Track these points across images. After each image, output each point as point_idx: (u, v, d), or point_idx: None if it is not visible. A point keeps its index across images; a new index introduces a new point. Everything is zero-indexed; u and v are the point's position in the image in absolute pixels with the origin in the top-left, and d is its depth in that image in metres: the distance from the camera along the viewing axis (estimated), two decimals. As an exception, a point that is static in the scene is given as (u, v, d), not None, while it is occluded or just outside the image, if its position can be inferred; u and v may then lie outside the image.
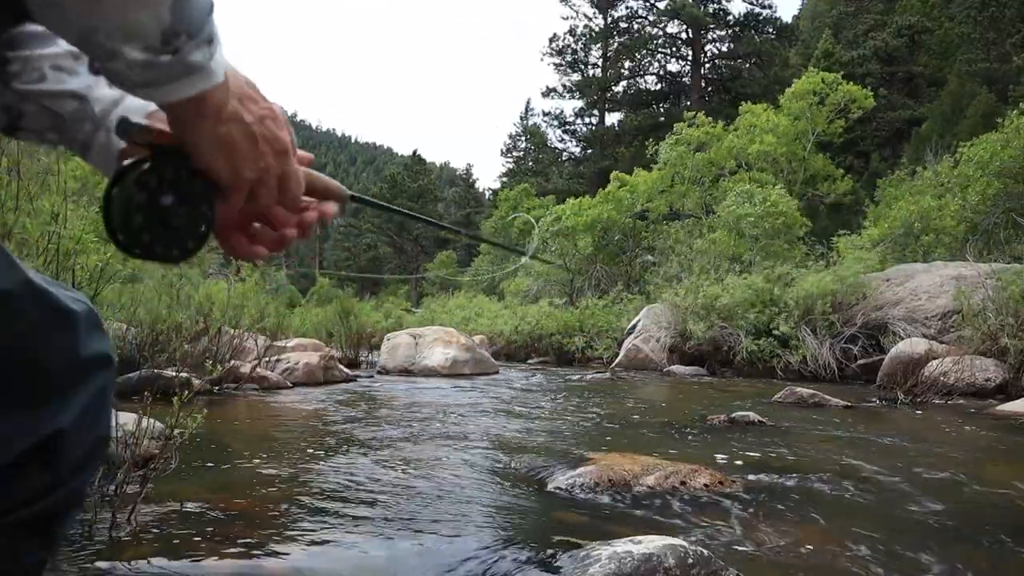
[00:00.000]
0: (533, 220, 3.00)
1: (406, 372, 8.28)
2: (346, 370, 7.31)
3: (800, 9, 47.19)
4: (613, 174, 19.10)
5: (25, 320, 0.62)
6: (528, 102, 74.04)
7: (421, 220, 1.09)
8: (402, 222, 44.07)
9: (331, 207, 0.77)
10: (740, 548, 1.71)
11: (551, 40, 38.27)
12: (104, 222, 0.60)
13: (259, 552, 1.58)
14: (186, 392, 1.81)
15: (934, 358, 6.09)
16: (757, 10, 34.14)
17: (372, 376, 7.95)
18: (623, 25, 37.11)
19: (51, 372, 0.65)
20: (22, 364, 0.62)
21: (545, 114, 41.43)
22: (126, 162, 0.62)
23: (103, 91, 0.74)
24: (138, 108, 0.71)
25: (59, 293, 0.67)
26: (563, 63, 38.41)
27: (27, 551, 0.68)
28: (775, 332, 8.13)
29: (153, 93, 0.56)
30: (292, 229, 0.71)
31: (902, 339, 7.08)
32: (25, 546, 0.68)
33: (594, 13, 37.44)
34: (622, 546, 1.45)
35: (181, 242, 0.62)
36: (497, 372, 8.76)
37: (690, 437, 3.53)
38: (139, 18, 0.50)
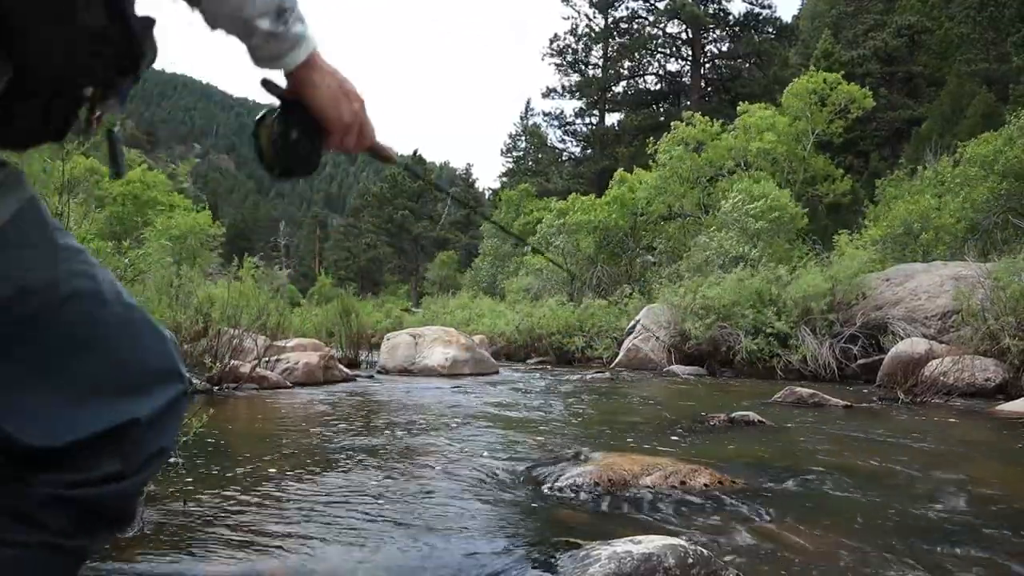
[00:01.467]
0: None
1: (406, 372, 8.28)
2: (346, 370, 7.31)
3: (800, 9, 47.18)
4: (617, 173, 19.09)
5: (120, 320, 0.78)
6: (528, 102, 74.00)
7: (453, 198, 1.27)
8: (402, 222, 44.08)
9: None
10: (740, 548, 1.71)
11: (552, 40, 38.27)
12: (255, 151, 0.86)
13: (260, 552, 1.58)
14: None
15: (934, 358, 6.09)
16: (757, 10, 34.12)
17: (372, 376, 7.95)
18: (623, 25, 37.09)
19: (137, 372, 0.79)
20: (118, 359, 0.77)
21: (545, 114, 41.43)
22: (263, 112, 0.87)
23: None
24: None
25: (150, 316, 0.84)
26: (563, 63, 38.40)
27: (81, 531, 0.76)
28: (773, 331, 8.13)
29: (279, 63, 0.80)
30: (351, 144, 0.92)
31: (902, 339, 7.08)
32: (80, 527, 0.75)
33: (594, 13, 37.43)
34: (622, 546, 1.45)
35: (305, 164, 0.88)
36: (497, 372, 8.76)
37: (690, 437, 3.53)
38: None
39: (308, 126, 0.86)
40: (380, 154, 1.03)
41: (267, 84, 0.85)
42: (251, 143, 0.87)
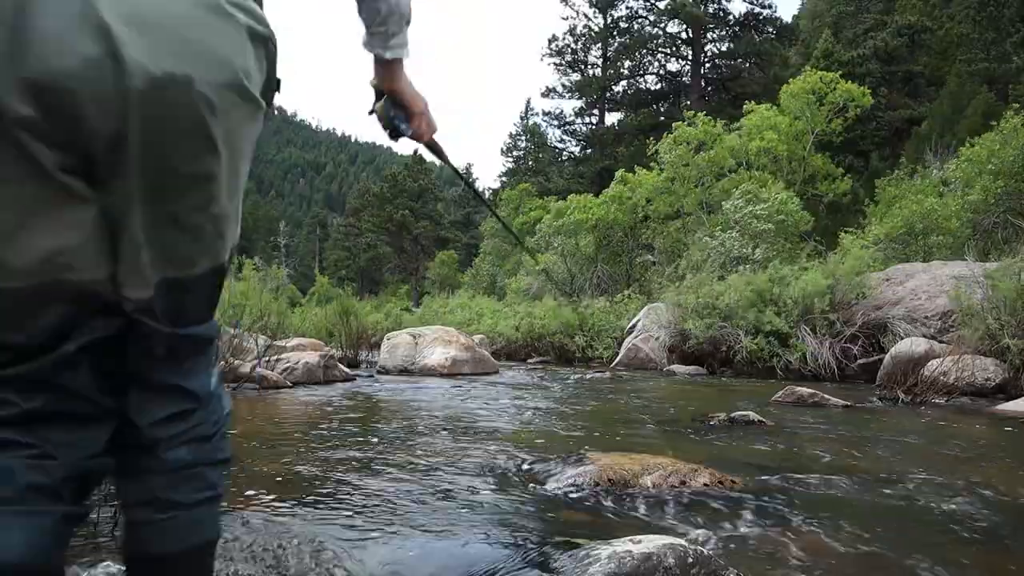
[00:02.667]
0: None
1: (406, 372, 8.28)
2: (346, 370, 7.31)
3: (800, 9, 47.15)
4: (618, 173, 19.09)
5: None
6: (528, 101, 74.05)
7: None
8: (402, 221, 44.05)
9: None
10: (740, 548, 1.72)
11: (551, 40, 38.25)
12: (381, 118, 1.27)
13: (258, 550, 1.58)
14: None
15: (934, 358, 6.09)
16: (757, 10, 34.11)
17: (372, 376, 7.96)
18: (623, 25, 37.07)
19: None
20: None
21: (545, 114, 41.42)
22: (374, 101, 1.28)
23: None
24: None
25: None
26: (563, 63, 38.39)
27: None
28: (774, 330, 8.13)
29: (399, 50, 1.13)
30: (424, 131, 1.31)
31: (902, 339, 7.08)
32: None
33: (594, 13, 37.44)
34: (622, 545, 1.45)
35: (406, 132, 1.28)
36: (497, 372, 8.76)
37: (690, 437, 3.53)
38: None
39: (401, 110, 1.26)
40: (437, 149, 1.41)
41: (374, 85, 1.25)
42: (377, 113, 1.29)
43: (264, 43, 0.87)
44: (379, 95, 1.26)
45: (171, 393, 0.96)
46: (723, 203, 13.49)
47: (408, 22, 1.12)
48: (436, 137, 1.36)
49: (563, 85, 38.71)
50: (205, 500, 0.98)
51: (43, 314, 0.81)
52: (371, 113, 1.29)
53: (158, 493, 0.94)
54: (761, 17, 34.22)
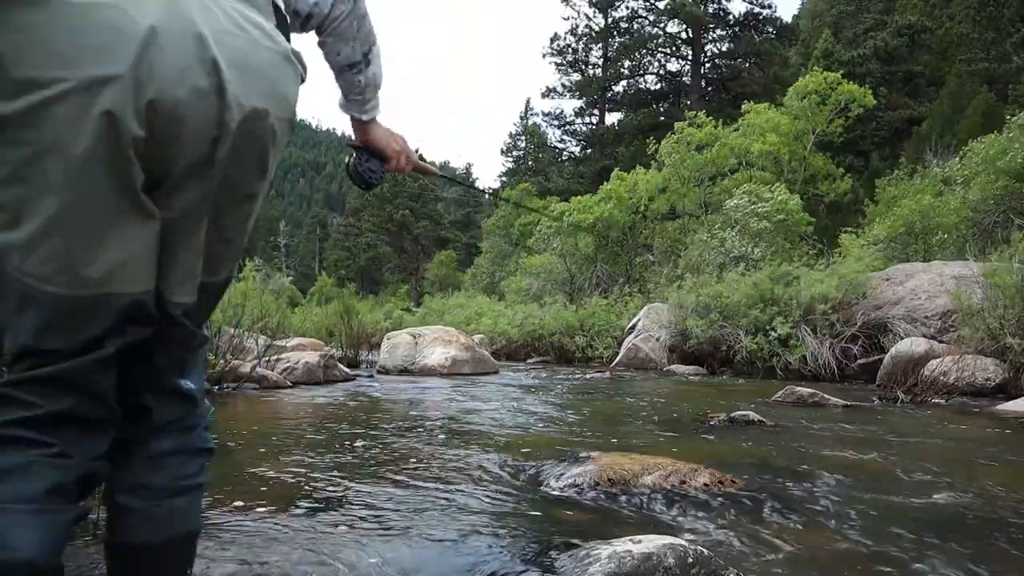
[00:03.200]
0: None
1: (406, 372, 8.28)
2: (346, 370, 7.31)
3: (800, 9, 47.13)
4: (615, 172, 19.09)
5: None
6: (528, 101, 73.91)
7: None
8: (403, 221, 44.05)
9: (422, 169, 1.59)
10: (740, 548, 1.72)
11: (552, 40, 38.26)
12: (349, 177, 1.43)
13: (259, 551, 1.58)
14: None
15: (934, 357, 6.09)
16: (757, 10, 34.10)
17: (372, 376, 7.96)
18: (623, 25, 37.07)
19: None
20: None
21: (545, 114, 41.42)
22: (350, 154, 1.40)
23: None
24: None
25: None
26: (564, 63, 38.39)
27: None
28: (774, 331, 8.13)
29: (373, 111, 1.31)
30: (403, 165, 1.44)
31: (902, 339, 7.08)
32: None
33: (594, 13, 37.43)
34: (622, 545, 1.45)
35: (377, 180, 1.42)
36: (497, 372, 8.76)
37: (690, 437, 3.53)
38: (381, 68, 1.27)
39: (373, 160, 1.41)
40: (422, 169, 1.59)
41: (350, 142, 1.41)
42: (345, 172, 1.47)
43: (300, 84, 1.03)
44: (355, 148, 1.41)
45: (179, 396, 1.04)
46: (724, 202, 13.49)
47: (380, 86, 1.30)
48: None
49: (563, 85, 38.73)
50: (186, 488, 1.03)
51: (93, 322, 0.87)
52: (345, 168, 1.44)
53: (141, 479, 0.99)
54: (761, 17, 34.21)
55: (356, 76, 1.23)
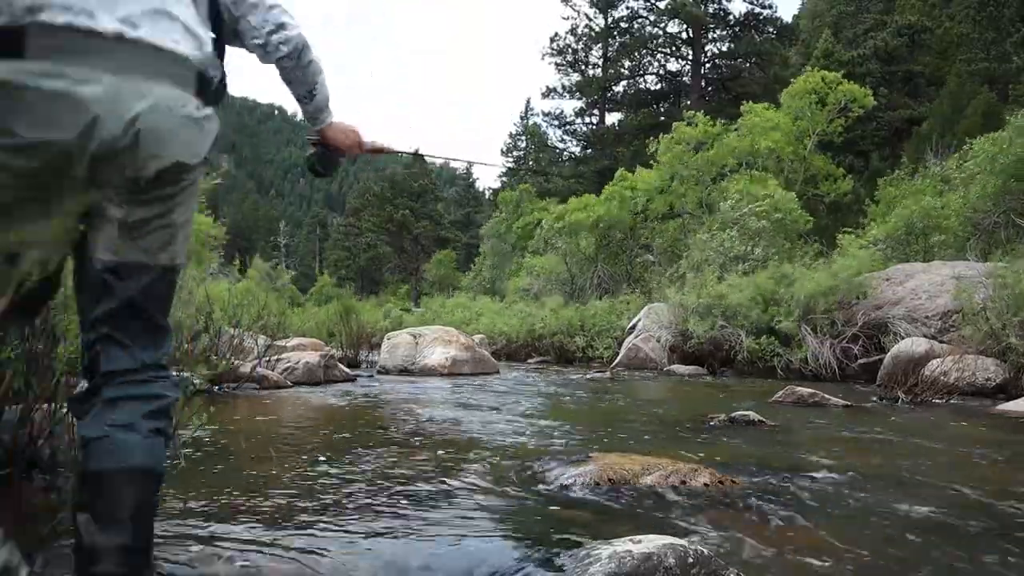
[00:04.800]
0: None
1: (406, 372, 8.28)
2: (346, 370, 7.30)
3: (800, 9, 47.11)
4: (619, 172, 19.07)
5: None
6: (528, 102, 73.91)
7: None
8: (403, 221, 44.03)
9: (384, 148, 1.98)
10: (740, 548, 1.72)
11: (552, 40, 38.25)
12: (309, 169, 1.80)
13: (259, 551, 1.58)
14: (190, 388, 1.81)
15: (934, 357, 6.09)
16: (757, 10, 34.07)
17: (372, 376, 7.95)
18: (623, 25, 37.04)
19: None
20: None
21: (545, 114, 41.33)
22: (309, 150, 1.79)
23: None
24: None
25: None
26: (564, 63, 38.36)
27: None
28: (776, 330, 8.13)
29: (321, 122, 1.71)
30: (357, 152, 1.82)
31: (902, 338, 7.08)
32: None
33: (594, 13, 37.41)
34: (622, 545, 1.45)
35: (329, 170, 1.79)
36: (497, 372, 8.76)
37: (690, 437, 3.53)
38: (327, 94, 1.67)
39: (332, 152, 1.78)
40: (376, 149, 1.90)
41: (311, 139, 1.77)
42: (303, 164, 1.86)
43: (215, 128, 1.37)
44: (315, 143, 1.76)
45: (131, 356, 1.36)
46: (721, 203, 13.49)
47: (325, 107, 1.68)
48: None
49: (563, 85, 38.69)
50: (137, 428, 1.24)
51: None
52: (306, 160, 1.80)
53: (100, 418, 1.24)
54: (761, 17, 34.18)
55: (304, 106, 1.65)
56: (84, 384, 1.29)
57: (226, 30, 1.47)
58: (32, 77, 1.09)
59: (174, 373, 1.42)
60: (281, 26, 1.50)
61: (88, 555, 1.18)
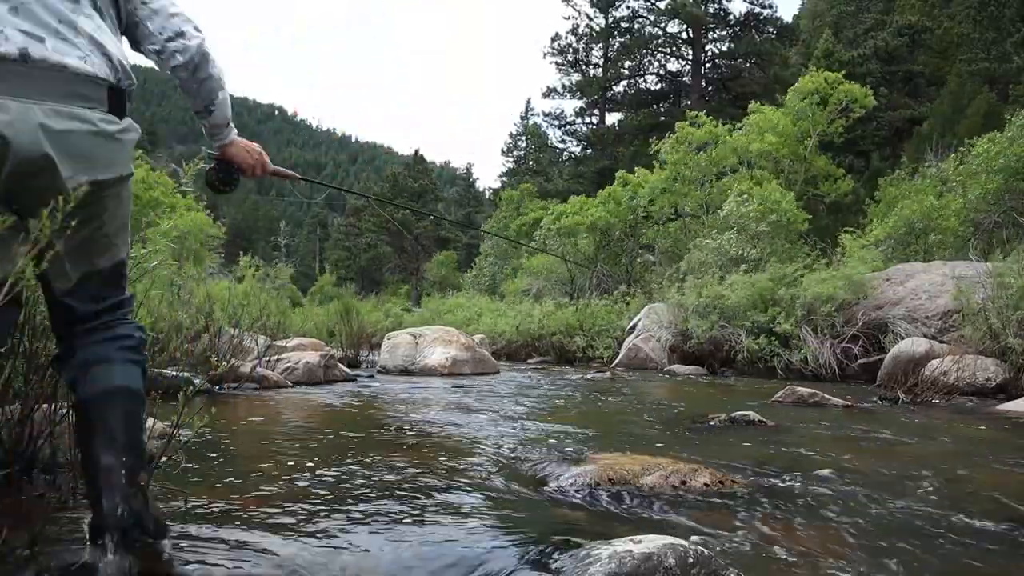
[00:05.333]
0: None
1: (406, 372, 8.28)
2: (346, 370, 7.30)
3: (800, 9, 47.11)
4: (619, 173, 19.05)
5: None
6: (528, 101, 73.87)
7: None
8: (403, 221, 44.02)
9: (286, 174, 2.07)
10: (740, 548, 1.72)
11: (553, 39, 38.24)
12: (207, 184, 1.80)
13: (260, 551, 1.58)
14: (190, 388, 1.81)
15: (934, 358, 6.09)
16: (757, 10, 34.05)
17: (372, 375, 7.95)
18: (624, 25, 37.03)
19: None
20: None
21: (545, 114, 41.30)
22: (209, 164, 1.78)
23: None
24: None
25: None
26: (564, 62, 38.36)
27: None
28: (776, 331, 8.12)
29: (222, 139, 1.70)
30: (259, 173, 1.82)
31: (902, 339, 7.08)
32: None
33: (595, 13, 37.40)
34: (622, 545, 1.45)
35: (233, 184, 1.79)
36: (498, 372, 8.76)
37: (690, 437, 3.53)
38: (227, 112, 1.65)
39: (231, 168, 1.78)
40: (281, 175, 1.98)
41: (210, 155, 1.76)
42: (203, 179, 1.83)
43: (135, 136, 1.42)
44: (215, 159, 1.76)
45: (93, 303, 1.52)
46: (721, 206, 13.47)
47: (225, 124, 1.67)
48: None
49: (564, 85, 38.68)
50: (106, 359, 1.40)
51: None
52: (206, 178, 1.80)
53: (77, 357, 1.41)
54: (761, 17, 34.17)
55: (202, 120, 1.62)
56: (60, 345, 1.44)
57: (127, 35, 1.49)
58: None
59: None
60: (180, 34, 1.48)
61: (92, 480, 1.34)
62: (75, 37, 1.28)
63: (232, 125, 1.70)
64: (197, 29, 1.52)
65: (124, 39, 1.49)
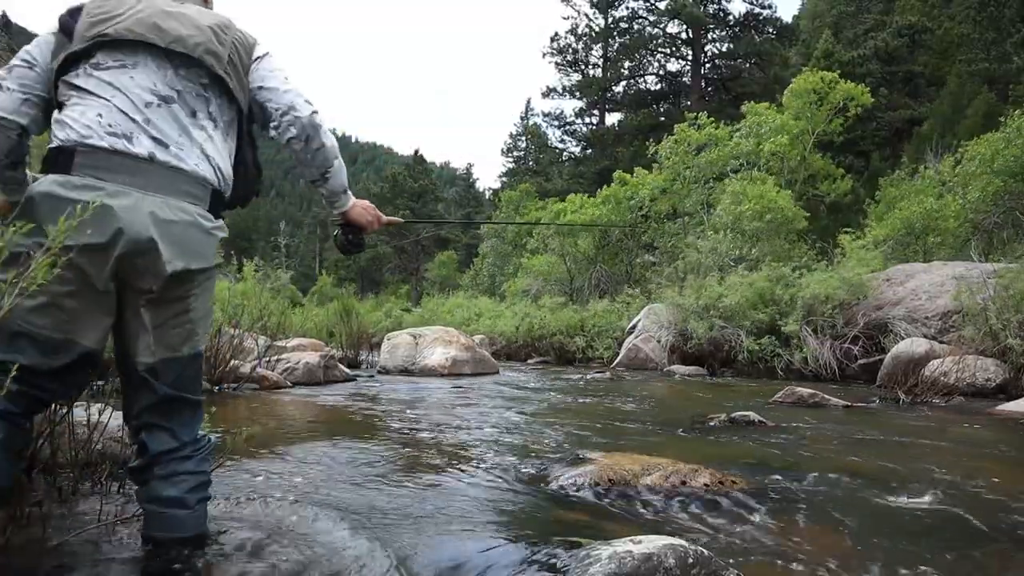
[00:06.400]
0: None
1: (406, 372, 8.27)
2: (346, 370, 7.30)
3: (800, 9, 47.09)
4: (616, 173, 19.05)
5: None
6: (528, 102, 73.88)
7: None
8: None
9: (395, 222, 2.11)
10: (740, 548, 1.72)
11: (552, 39, 38.23)
12: (338, 248, 1.92)
13: (260, 550, 1.58)
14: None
15: (934, 358, 6.09)
16: (757, 10, 34.04)
17: (372, 376, 7.95)
18: (623, 25, 37.02)
19: None
20: None
21: (545, 114, 41.27)
22: (334, 230, 1.91)
23: None
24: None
25: None
26: (564, 62, 38.33)
27: None
28: (780, 329, 8.12)
29: (341, 207, 1.80)
30: (376, 227, 1.92)
31: (902, 339, 7.08)
32: None
33: (594, 13, 37.39)
34: (622, 546, 1.45)
35: (359, 247, 1.90)
36: (498, 372, 8.76)
37: (690, 437, 3.53)
38: (343, 179, 1.75)
39: (355, 231, 1.87)
40: (392, 223, 2.03)
41: (335, 223, 1.86)
42: (334, 244, 1.92)
43: (222, 235, 1.55)
44: (340, 225, 1.85)
45: (168, 434, 1.58)
46: (716, 206, 13.48)
47: (342, 191, 1.75)
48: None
49: (564, 85, 38.66)
50: (180, 502, 1.51)
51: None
52: (334, 239, 1.89)
53: (151, 493, 1.51)
54: (761, 17, 34.16)
55: (319, 188, 1.70)
56: (137, 461, 1.51)
57: (257, 121, 1.63)
58: (75, 190, 1.32)
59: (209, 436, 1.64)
60: (291, 108, 1.58)
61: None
62: (191, 145, 1.47)
63: (349, 192, 1.78)
64: (308, 102, 1.61)
65: (255, 126, 1.66)
